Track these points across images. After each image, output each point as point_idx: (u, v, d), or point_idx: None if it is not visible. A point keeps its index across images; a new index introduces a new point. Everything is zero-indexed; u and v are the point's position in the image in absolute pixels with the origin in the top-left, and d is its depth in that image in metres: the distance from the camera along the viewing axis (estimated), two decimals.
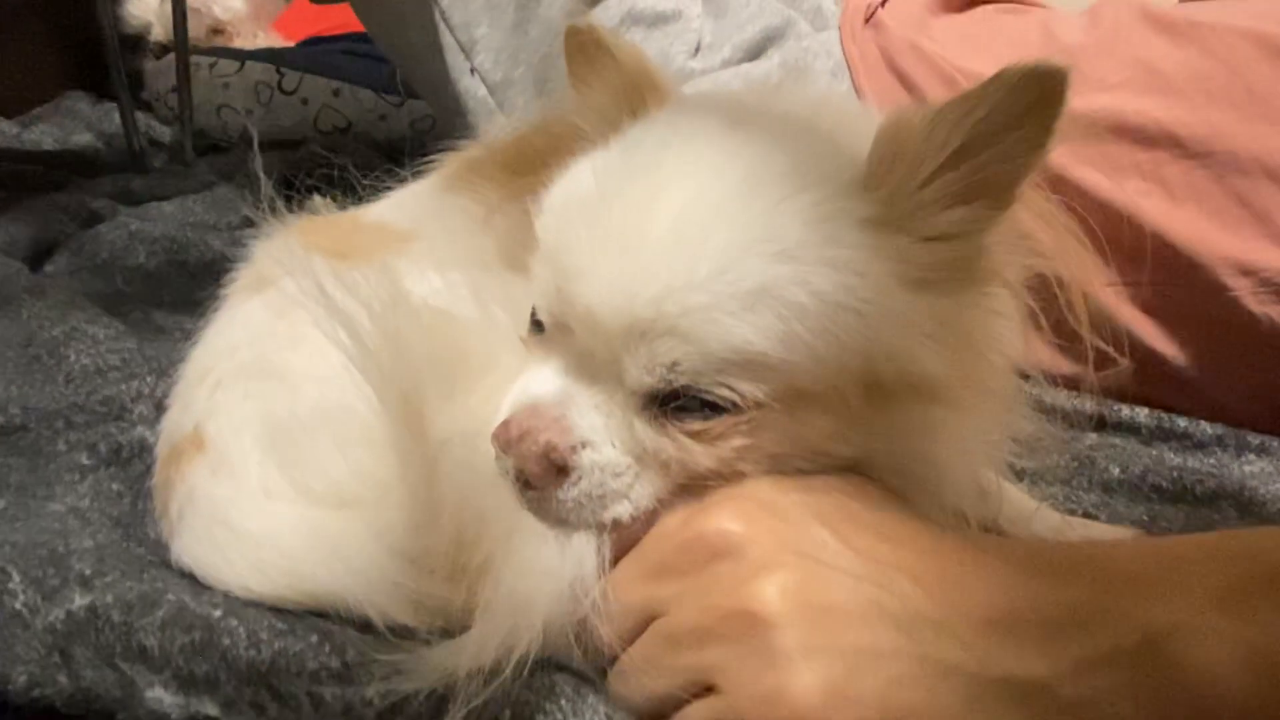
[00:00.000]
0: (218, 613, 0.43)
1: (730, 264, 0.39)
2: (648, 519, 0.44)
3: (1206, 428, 0.76)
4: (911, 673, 0.37)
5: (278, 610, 0.44)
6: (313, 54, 1.76)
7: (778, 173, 0.41)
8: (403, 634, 0.41)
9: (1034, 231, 0.47)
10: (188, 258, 1.10)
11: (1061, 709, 0.38)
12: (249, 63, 1.71)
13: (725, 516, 0.41)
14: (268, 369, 0.53)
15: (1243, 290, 0.79)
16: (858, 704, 0.36)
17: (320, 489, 0.48)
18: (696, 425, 0.42)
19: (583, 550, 0.43)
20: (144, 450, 0.62)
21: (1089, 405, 0.69)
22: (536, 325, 0.47)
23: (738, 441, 0.42)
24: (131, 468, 0.61)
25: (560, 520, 0.43)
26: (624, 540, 0.43)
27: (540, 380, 0.45)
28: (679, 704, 0.40)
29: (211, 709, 0.40)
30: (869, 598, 0.39)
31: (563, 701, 0.40)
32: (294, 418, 0.50)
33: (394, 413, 0.42)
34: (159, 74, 1.79)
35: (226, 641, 0.41)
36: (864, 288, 0.41)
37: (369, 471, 0.47)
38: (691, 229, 0.40)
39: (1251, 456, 0.75)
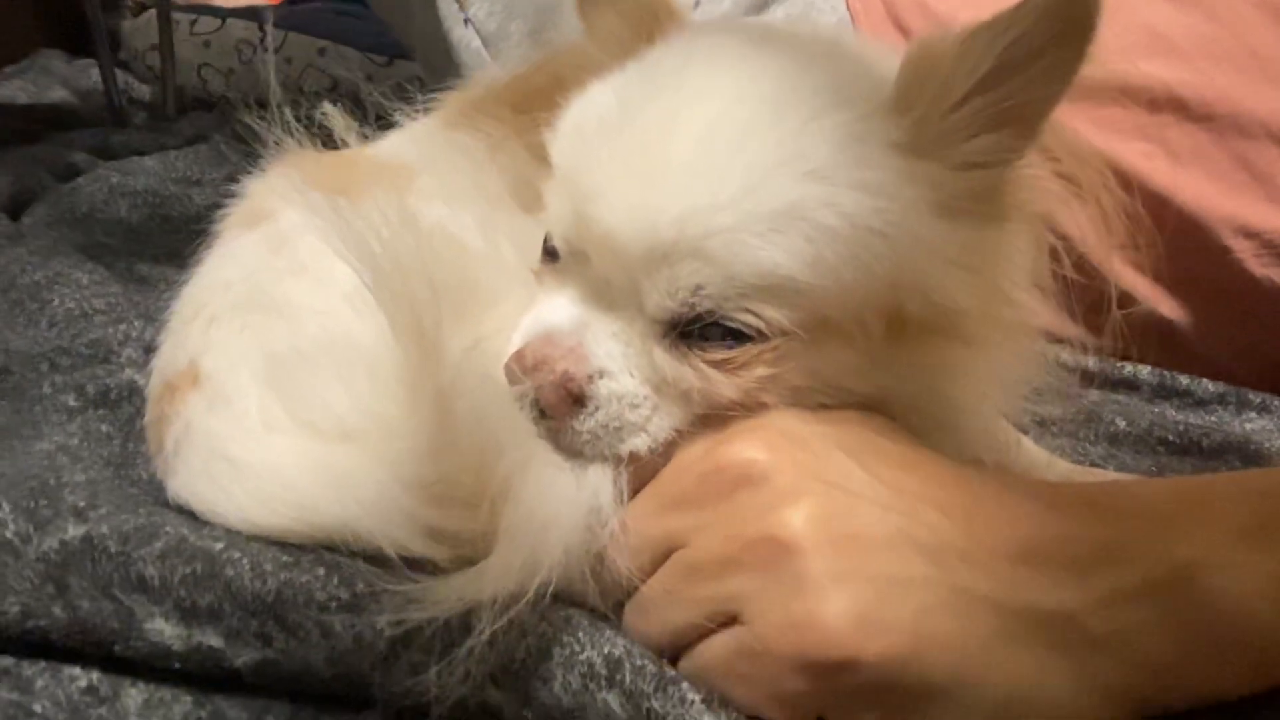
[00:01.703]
0: (219, 545, 0.41)
1: (757, 183, 0.38)
2: (666, 452, 0.42)
3: (1208, 385, 0.76)
4: (941, 601, 0.36)
5: (282, 544, 0.42)
6: (298, 12, 1.72)
7: (806, 92, 0.40)
8: (416, 565, 0.40)
9: (1062, 170, 0.46)
10: (171, 212, 1.07)
11: (1090, 641, 0.37)
12: (230, 20, 1.67)
13: (748, 445, 0.40)
14: (265, 302, 0.51)
15: (1245, 252, 0.79)
16: (888, 631, 0.35)
17: (323, 423, 0.46)
18: (719, 354, 0.41)
19: (599, 482, 0.41)
20: (133, 393, 0.60)
21: (1091, 363, 0.69)
22: (550, 254, 0.45)
23: (761, 371, 0.41)
24: (121, 410, 0.59)
25: (576, 452, 0.42)
26: (642, 473, 0.42)
27: (555, 309, 0.43)
28: (701, 636, 0.39)
29: (215, 640, 0.39)
30: (897, 526, 0.38)
31: (580, 634, 0.39)
32: (294, 351, 0.48)
33: (405, 337, 0.40)
34: (137, 32, 1.75)
35: (230, 573, 0.40)
36: (894, 212, 0.40)
37: (374, 405, 0.45)
38: (717, 147, 0.39)
39: (1253, 414, 0.75)
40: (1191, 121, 0.80)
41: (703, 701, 0.37)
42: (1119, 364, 0.77)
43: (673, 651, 0.40)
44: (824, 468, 0.39)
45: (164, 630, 0.39)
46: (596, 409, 0.41)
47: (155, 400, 0.52)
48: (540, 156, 0.50)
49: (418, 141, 0.61)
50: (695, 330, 0.41)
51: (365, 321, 0.47)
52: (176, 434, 0.48)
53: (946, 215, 0.41)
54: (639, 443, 0.42)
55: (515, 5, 1.01)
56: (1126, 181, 0.79)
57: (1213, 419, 0.72)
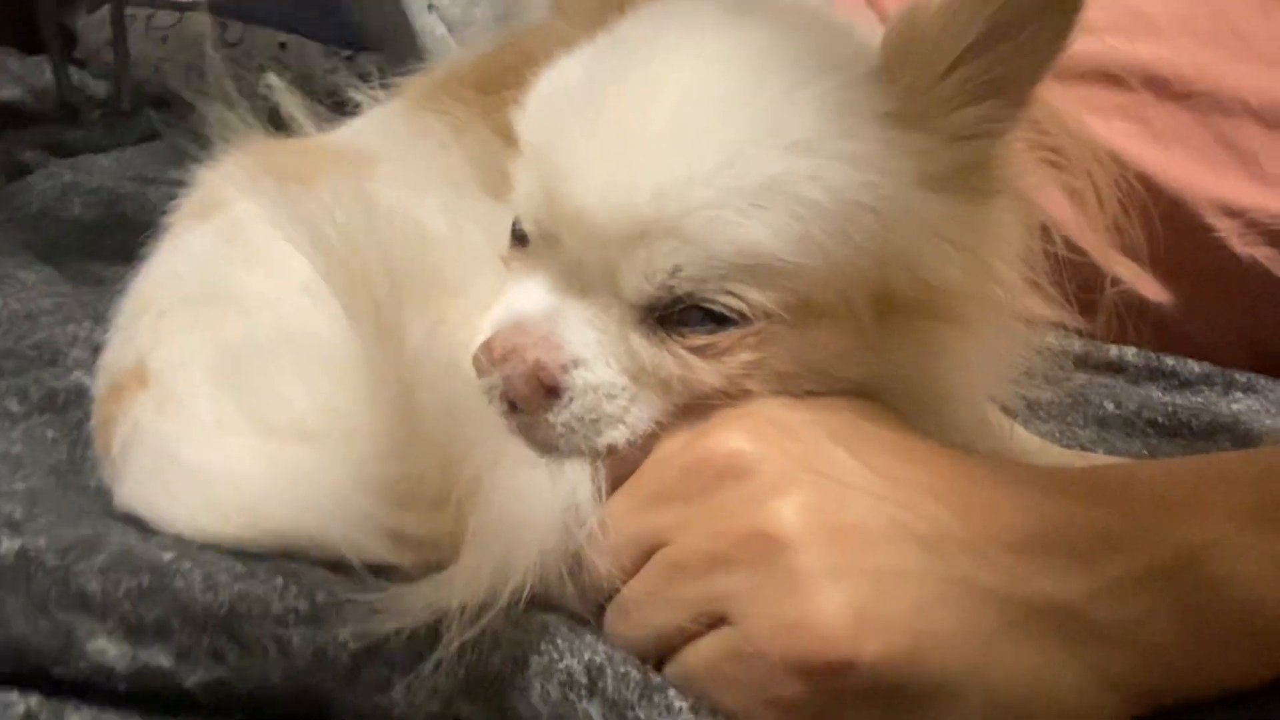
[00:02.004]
0: (168, 555, 0.38)
1: (738, 157, 0.36)
2: (645, 445, 0.40)
3: (1194, 366, 0.75)
4: (941, 595, 0.34)
5: (237, 553, 0.40)
6: (258, 4, 1.68)
7: (787, 60, 0.38)
8: (380, 573, 0.37)
9: (1051, 146, 0.45)
10: (126, 210, 1.03)
11: (1095, 632, 0.36)
12: (188, 14, 1.62)
13: (733, 436, 0.38)
14: (218, 295, 0.48)
15: (1228, 232, 0.78)
16: (887, 628, 0.33)
17: (280, 421, 0.43)
18: (700, 339, 0.38)
19: (576, 478, 0.39)
20: (81, 397, 0.57)
21: (1077, 345, 0.68)
22: (519, 239, 0.43)
23: (745, 356, 0.38)
24: (68, 415, 0.56)
25: (550, 447, 0.40)
26: (620, 468, 0.40)
27: (525, 296, 0.41)
28: (687, 639, 0.36)
29: (164, 660, 0.36)
30: (892, 517, 0.36)
31: (558, 641, 0.37)
32: (249, 345, 0.46)
33: (364, 327, 0.38)
34: (92, 28, 1.70)
35: (179, 584, 0.37)
36: (883, 186, 0.38)
37: (334, 402, 0.42)
38: (695, 119, 0.37)
39: (1239, 394, 0.74)
40: (1172, 100, 0.79)
41: (690, 709, 0.35)
42: (1105, 346, 0.76)
43: (658, 656, 0.37)
44: (814, 457, 0.37)
45: (107, 650, 0.36)
46: (571, 400, 0.39)
47: (102, 401, 0.48)
48: (508, 137, 0.47)
49: (379, 127, 0.58)
50: (674, 315, 0.39)
51: (324, 313, 0.44)
52: (124, 436, 0.45)
53: (937, 189, 0.39)
54: (617, 435, 0.40)
55: None
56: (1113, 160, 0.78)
57: (1199, 400, 0.71)
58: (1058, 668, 0.35)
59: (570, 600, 0.39)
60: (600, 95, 0.38)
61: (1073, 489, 0.40)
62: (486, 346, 0.39)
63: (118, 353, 0.49)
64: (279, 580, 0.38)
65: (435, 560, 0.37)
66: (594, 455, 0.40)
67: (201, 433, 0.44)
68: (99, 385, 0.50)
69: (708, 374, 0.38)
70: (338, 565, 0.38)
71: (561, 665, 0.36)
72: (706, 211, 0.36)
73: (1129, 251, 0.79)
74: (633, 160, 0.36)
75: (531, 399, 0.39)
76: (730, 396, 0.39)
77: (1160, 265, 0.79)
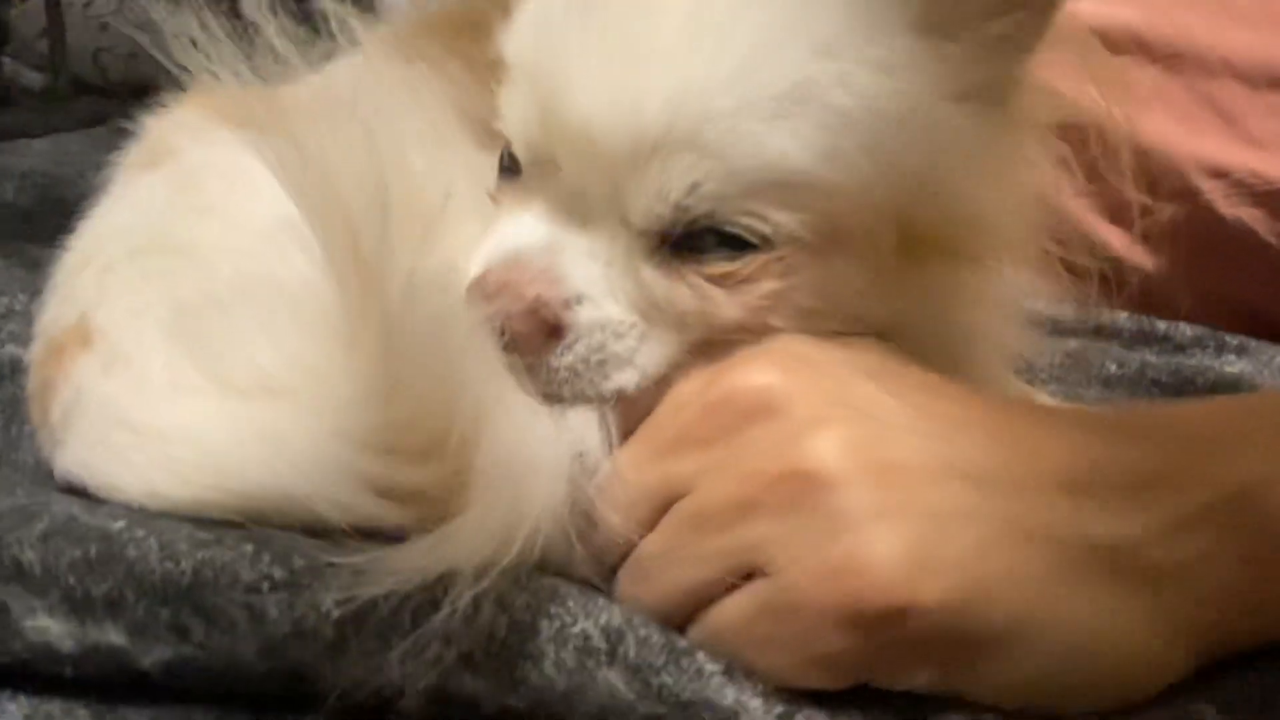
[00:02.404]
0: (119, 524, 0.34)
1: (761, 59, 0.33)
2: (658, 389, 0.36)
3: (1186, 329, 0.74)
4: (996, 536, 0.31)
5: (199, 521, 0.35)
6: None
7: None
8: (366, 536, 0.33)
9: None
10: (64, 194, 0.96)
11: (1154, 575, 0.33)
12: None
13: (759, 371, 0.34)
14: (171, 247, 0.44)
15: (1214, 193, 0.78)
16: (945, 570, 0.30)
17: (244, 379, 0.39)
18: (719, 267, 0.35)
19: (583, 424, 0.35)
20: (16, 371, 0.51)
21: (1068, 311, 0.66)
22: (509, 169, 0.39)
23: (769, 285, 0.35)
24: (2, 389, 0.50)
25: (553, 394, 0.36)
26: (631, 414, 0.36)
27: (520, 229, 0.37)
28: (715, 597, 0.33)
29: (116, 637, 0.31)
30: (940, 454, 0.32)
31: (570, 603, 0.33)
32: (206, 297, 0.41)
33: (340, 258, 0.33)
34: (26, 18, 1.61)
35: (133, 553, 0.32)
36: (914, 96, 0.35)
37: (303, 354, 0.38)
38: (711, 17, 0.33)
39: (1231, 357, 0.73)
40: (1154, 63, 0.78)
41: (723, 673, 0.32)
42: (1097, 310, 0.75)
43: (681, 619, 0.34)
44: (849, 393, 0.34)
45: (49, 628, 0.31)
46: (576, 340, 0.35)
47: (39, 365, 0.43)
48: (487, 76, 0.43)
49: (349, 76, 0.53)
50: (688, 242, 0.35)
51: (290, 261, 0.40)
52: (65, 402, 0.40)
53: (968, 103, 0.36)
54: (626, 379, 0.36)
55: None
56: (1088, 124, 0.77)
57: (1193, 362, 0.70)
58: (1120, 613, 0.32)
59: (578, 564, 0.35)
60: None
61: (1115, 428, 0.38)
62: (478, 283, 0.35)
63: (56, 311, 0.44)
64: (249, 547, 0.33)
65: (428, 517, 0.33)
66: (601, 401, 0.36)
67: (155, 393, 0.39)
68: (35, 350, 0.45)
69: (728, 306, 0.35)
70: (316, 531, 0.34)
71: (576, 629, 0.32)
72: (727, 121, 0.32)
73: (1116, 218, 0.78)
74: (642, 65, 0.33)
75: (531, 339, 0.35)
76: (751, 333, 0.36)
77: (1147, 230, 0.78)
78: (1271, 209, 0.75)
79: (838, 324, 0.37)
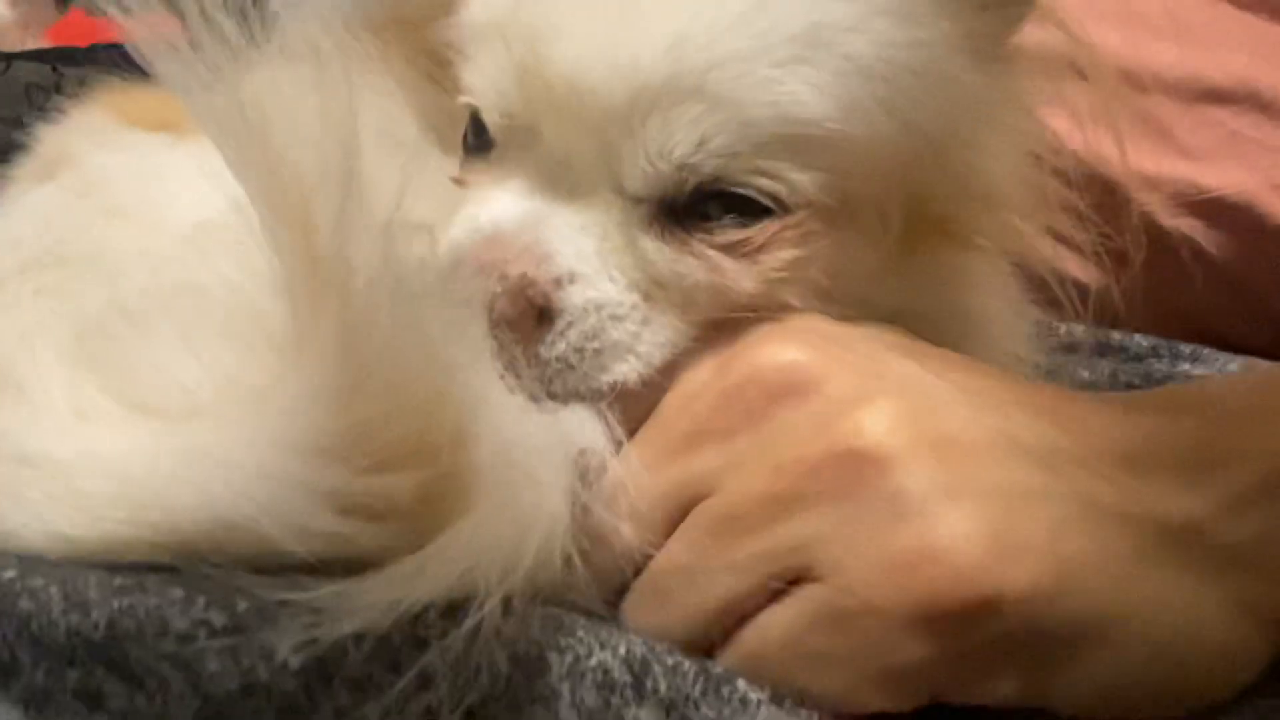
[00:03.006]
0: (9, 574, 0.27)
1: None
2: (663, 380, 0.32)
3: (1141, 340, 0.74)
4: (1071, 514, 0.28)
5: (114, 567, 0.28)
6: (100, 54, 1.53)
7: None
8: (324, 570, 0.27)
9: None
10: None
11: (1224, 555, 0.30)
12: (17, 62, 1.45)
13: (780, 348, 0.30)
14: (71, 256, 0.38)
15: (1154, 205, 0.79)
16: (1028, 556, 0.26)
17: (163, 400, 0.33)
18: (730, 235, 0.31)
19: (583, 421, 0.30)
20: None
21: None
22: (478, 145, 0.34)
23: (785, 254, 0.31)
24: None
25: (545, 389, 0.31)
26: (634, 410, 0.31)
27: (496, 204, 0.32)
28: (750, 611, 0.28)
29: (9, 709, 0.24)
30: (996, 428, 0.29)
31: (579, 633, 0.27)
32: (115, 313, 0.35)
33: (291, 234, 0.28)
34: None
35: (27, 606, 0.26)
36: (930, 46, 0.32)
37: (232, 370, 0.32)
38: None
39: (1186, 365, 0.73)
40: (1073, 69, 0.80)
41: (770, 700, 0.27)
42: (1054, 325, 0.74)
43: (711, 642, 0.29)
44: (884, 369, 0.30)
45: None
46: (569, 325, 0.31)
47: None
48: (435, 66, 0.39)
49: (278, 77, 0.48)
50: (692, 209, 0.31)
51: (214, 266, 0.34)
52: None
53: (979, 58, 0.34)
54: (627, 369, 0.31)
55: None
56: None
57: (1161, 368, 0.69)
58: (1198, 596, 0.29)
59: (581, 587, 0.30)
60: None
61: (1155, 407, 0.35)
62: (453, 264, 0.30)
63: None
64: (178, 590, 0.27)
65: (404, 537, 0.27)
66: (599, 397, 0.31)
67: (55, 422, 0.33)
68: None
69: (742, 277, 0.31)
70: (265, 566, 0.28)
71: (592, 662, 0.27)
72: (737, 66, 0.29)
73: (1064, 239, 0.78)
74: (639, 5, 0.29)
75: (518, 324, 0.30)
76: (766, 309, 0.32)
77: (1097, 246, 0.78)
78: (1209, 218, 0.76)
79: (848, 308, 0.34)
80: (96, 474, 0.30)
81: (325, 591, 0.26)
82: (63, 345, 0.35)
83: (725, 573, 0.28)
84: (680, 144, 0.29)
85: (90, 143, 0.43)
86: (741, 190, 0.30)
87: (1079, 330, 0.75)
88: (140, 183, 0.40)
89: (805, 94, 0.30)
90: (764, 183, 0.30)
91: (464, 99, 0.35)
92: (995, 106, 0.35)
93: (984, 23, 0.34)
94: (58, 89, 1.45)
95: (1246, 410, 0.34)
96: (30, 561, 0.28)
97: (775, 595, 0.27)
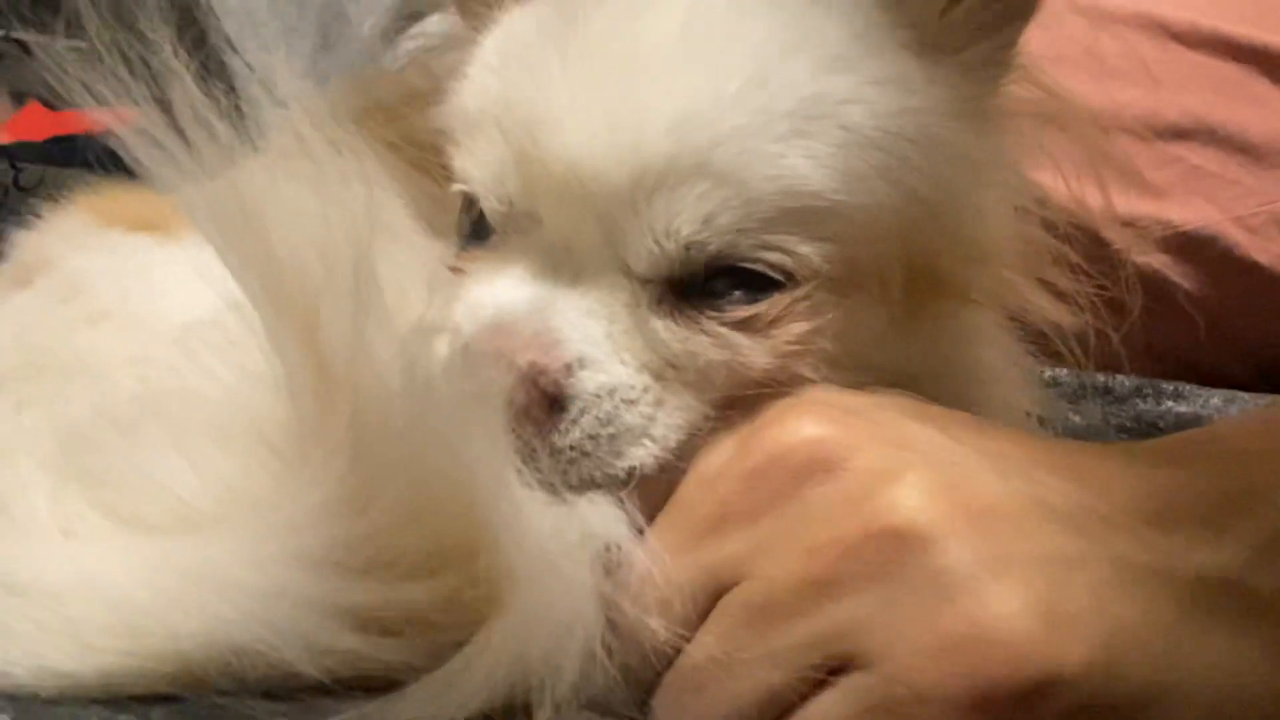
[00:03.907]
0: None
1: (770, 71, 0.29)
2: (679, 463, 0.31)
3: (1124, 380, 0.74)
4: (1110, 579, 0.27)
5: (112, 700, 0.27)
6: (57, 149, 1.51)
7: None
8: (340, 690, 0.26)
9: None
10: None
11: (1262, 605, 0.29)
12: None
13: (801, 424, 0.29)
14: (53, 364, 0.36)
15: (1124, 243, 0.80)
16: (1078, 626, 0.25)
17: (157, 513, 0.31)
18: (741, 311, 0.30)
19: (603, 514, 0.29)
20: None
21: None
22: (476, 230, 0.34)
23: (798, 327, 0.31)
24: None
25: (559, 480, 0.30)
26: (652, 496, 0.30)
27: (501, 292, 0.32)
28: (793, 704, 0.27)
29: None
30: (1025, 493, 0.28)
31: None
32: (102, 421, 0.33)
33: (293, 337, 0.27)
34: None
35: None
36: (924, 114, 0.32)
37: (232, 478, 0.31)
38: (709, 29, 0.30)
39: (1170, 404, 0.73)
40: (1046, 124, 0.82)
41: None
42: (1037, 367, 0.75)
43: None
44: (907, 438, 0.29)
45: None
46: (582, 411, 0.30)
47: None
48: (420, 154, 0.39)
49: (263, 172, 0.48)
50: (700, 287, 0.31)
51: (208, 369, 0.33)
52: None
53: (969, 123, 0.34)
54: (643, 454, 0.31)
55: (330, 77, 0.91)
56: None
57: (1149, 408, 0.70)
58: (1240, 649, 0.28)
59: (610, 687, 0.28)
60: (583, 19, 0.30)
61: (1164, 456, 0.34)
62: (460, 355, 0.30)
63: None
64: None
65: (428, 651, 0.26)
66: (616, 485, 0.30)
67: (40, 542, 0.31)
68: None
69: (756, 353, 0.30)
70: (278, 690, 0.26)
71: None
72: (740, 141, 0.29)
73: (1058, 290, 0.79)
74: (637, 87, 0.29)
75: (530, 414, 0.29)
76: (780, 384, 0.31)
77: (1089, 296, 0.79)
78: (1177, 253, 0.77)
79: (857, 374, 0.33)
80: (89, 600, 0.28)
81: (347, 717, 0.24)
82: (47, 458, 0.33)
83: (763, 664, 0.27)
84: (686, 223, 0.29)
85: (68, 246, 0.42)
86: (749, 265, 0.30)
87: (1062, 373, 0.76)
88: (123, 285, 0.39)
89: (807, 167, 0.29)
90: (772, 256, 0.30)
91: (458, 186, 0.34)
92: (985, 165, 0.36)
93: (970, 85, 0.35)
94: (16, 184, 1.43)
95: (1260, 453, 0.34)
96: (23, 703, 0.27)
97: (817, 685, 0.26)
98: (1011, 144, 0.39)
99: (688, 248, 0.30)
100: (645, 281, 0.31)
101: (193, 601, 0.27)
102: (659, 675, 0.29)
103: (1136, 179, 0.80)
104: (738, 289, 0.30)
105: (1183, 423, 0.63)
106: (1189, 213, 0.77)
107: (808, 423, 0.29)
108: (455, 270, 0.35)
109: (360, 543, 0.26)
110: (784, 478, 0.28)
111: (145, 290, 0.38)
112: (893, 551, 0.26)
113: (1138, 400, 0.75)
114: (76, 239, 0.42)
